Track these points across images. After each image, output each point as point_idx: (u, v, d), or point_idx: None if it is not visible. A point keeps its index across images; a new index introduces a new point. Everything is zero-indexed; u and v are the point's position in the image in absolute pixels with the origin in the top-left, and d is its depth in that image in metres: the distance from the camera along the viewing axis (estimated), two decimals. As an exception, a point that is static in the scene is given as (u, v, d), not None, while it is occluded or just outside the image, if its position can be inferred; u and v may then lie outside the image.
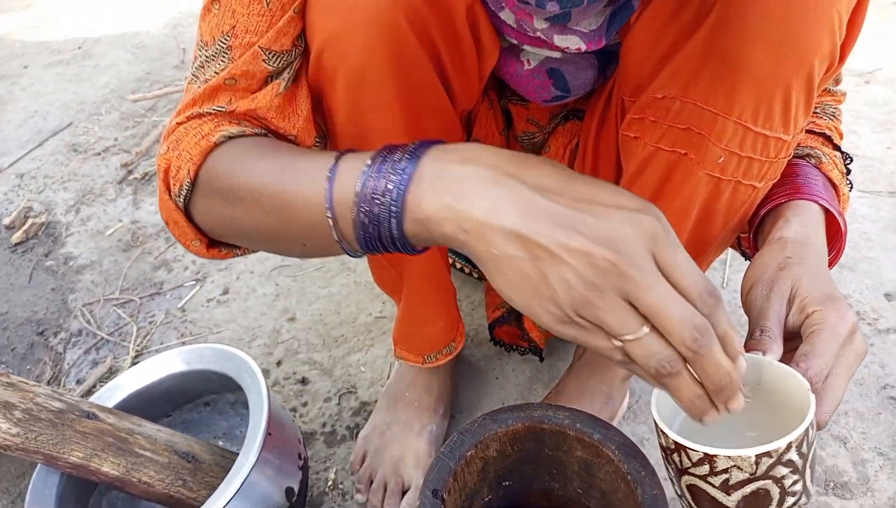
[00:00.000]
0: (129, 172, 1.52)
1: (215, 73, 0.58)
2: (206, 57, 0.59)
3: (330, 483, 0.92)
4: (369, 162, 0.48)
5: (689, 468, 0.49)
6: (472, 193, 0.43)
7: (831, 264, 0.67)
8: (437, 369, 0.94)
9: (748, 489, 0.48)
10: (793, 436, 0.46)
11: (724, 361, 0.43)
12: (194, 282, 1.25)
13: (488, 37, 0.66)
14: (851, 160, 0.75)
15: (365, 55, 0.58)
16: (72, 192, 1.50)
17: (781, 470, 0.47)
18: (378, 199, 0.46)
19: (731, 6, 0.54)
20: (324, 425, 0.99)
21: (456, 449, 0.64)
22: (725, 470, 0.48)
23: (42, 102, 1.88)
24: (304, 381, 1.05)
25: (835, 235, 0.67)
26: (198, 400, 0.94)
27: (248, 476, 0.72)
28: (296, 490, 0.80)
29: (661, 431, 0.51)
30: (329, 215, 0.49)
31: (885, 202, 1.26)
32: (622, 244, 0.41)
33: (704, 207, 0.64)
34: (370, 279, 1.20)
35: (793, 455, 0.47)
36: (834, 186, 0.69)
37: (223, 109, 0.58)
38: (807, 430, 0.47)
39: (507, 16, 0.65)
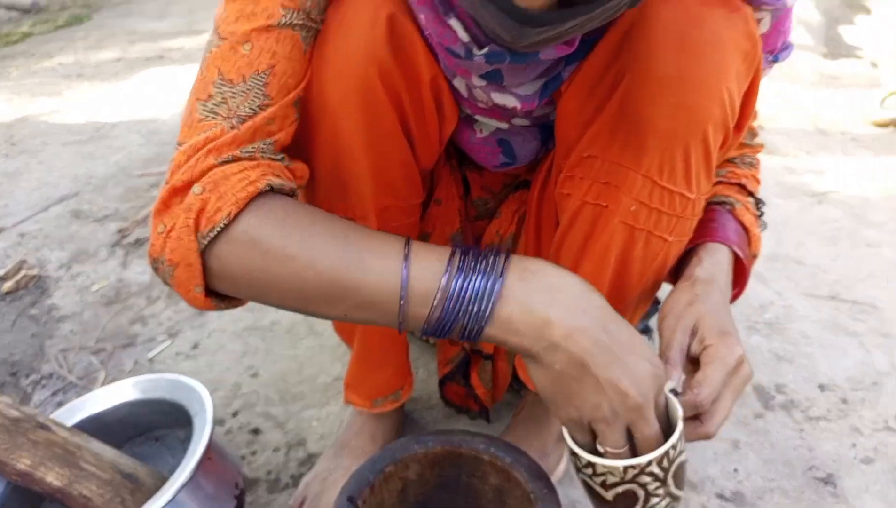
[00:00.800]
0: (123, 237, 1.62)
1: (252, 110, 0.60)
2: (234, 93, 0.60)
3: (268, 524, 0.94)
4: (448, 260, 0.56)
5: (580, 468, 0.59)
6: (554, 323, 0.54)
7: (735, 297, 0.77)
8: (383, 418, 0.99)
9: (620, 489, 0.57)
10: (654, 455, 0.55)
11: None
12: (167, 337, 1.30)
13: (449, 105, 0.76)
14: (764, 204, 0.84)
15: (341, 105, 0.66)
16: (67, 251, 1.59)
17: (645, 479, 0.56)
18: (466, 304, 0.55)
19: (638, 78, 0.64)
20: (269, 472, 1.02)
21: (376, 463, 0.69)
22: (602, 474, 0.57)
23: (55, 175, 2.01)
24: (256, 431, 1.09)
25: (741, 271, 0.76)
26: (149, 434, 0.97)
27: (178, 492, 0.76)
28: (229, 515, 0.82)
29: (565, 438, 0.59)
30: (402, 302, 0.55)
31: (825, 305, 1.33)
32: (645, 391, 0.55)
33: (621, 255, 0.72)
34: (335, 343, 1.27)
35: (654, 469, 0.56)
36: (746, 229, 0.78)
37: (270, 143, 0.62)
38: (667, 451, 0.56)
39: (459, 84, 0.75)
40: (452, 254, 0.56)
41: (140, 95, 2.67)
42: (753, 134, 0.86)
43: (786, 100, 2.42)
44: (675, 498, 0.58)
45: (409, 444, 0.71)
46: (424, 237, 0.92)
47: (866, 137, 2.14)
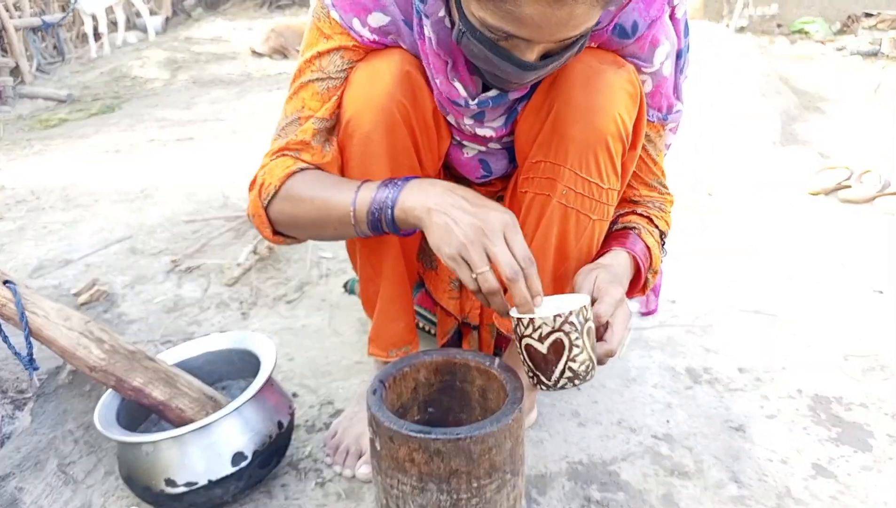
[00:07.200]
0: (176, 266, 1.94)
1: (295, 133, 1.05)
2: (288, 122, 1.06)
3: (307, 452, 1.22)
4: (379, 185, 0.95)
5: (523, 332, 0.86)
6: (428, 198, 0.90)
7: (635, 291, 1.11)
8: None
9: (552, 338, 0.84)
10: (573, 308, 0.84)
11: (522, 288, 0.86)
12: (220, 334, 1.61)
13: (444, 129, 1.12)
14: (666, 235, 1.16)
15: (371, 127, 1.02)
16: (128, 276, 1.91)
17: (567, 328, 0.84)
18: (383, 200, 0.93)
19: (561, 107, 0.99)
20: (307, 421, 1.31)
21: (397, 365, 0.99)
22: (539, 327, 0.85)
23: (109, 223, 2.35)
24: (294, 395, 1.38)
25: (638, 275, 1.10)
26: (217, 384, 1.27)
27: (262, 386, 1.06)
28: (284, 424, 1.11)
29: (511, 315, 0.88)
30: (352, 210, 0.95)
31: (749, 316, 1.65)
32: (487, 223, 0.86)
33: (560, 228, 1.05)
34: (353, 340, 1.57)
35: (573, 319, 0.84)
36: (648, 247, 1.11)
37: (298, 150, 1.05)
38: (581, 309, 0.85)
39: (451, 119, 1.11)
40: (381, 182, 0.97)
41: (176, 167, 3.06)
42: (663, 185, 1.19)
43: (738, 168, 2.82)
44: (589, 357, 0.86)
45: (419, 355, 1.02)
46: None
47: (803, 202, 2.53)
